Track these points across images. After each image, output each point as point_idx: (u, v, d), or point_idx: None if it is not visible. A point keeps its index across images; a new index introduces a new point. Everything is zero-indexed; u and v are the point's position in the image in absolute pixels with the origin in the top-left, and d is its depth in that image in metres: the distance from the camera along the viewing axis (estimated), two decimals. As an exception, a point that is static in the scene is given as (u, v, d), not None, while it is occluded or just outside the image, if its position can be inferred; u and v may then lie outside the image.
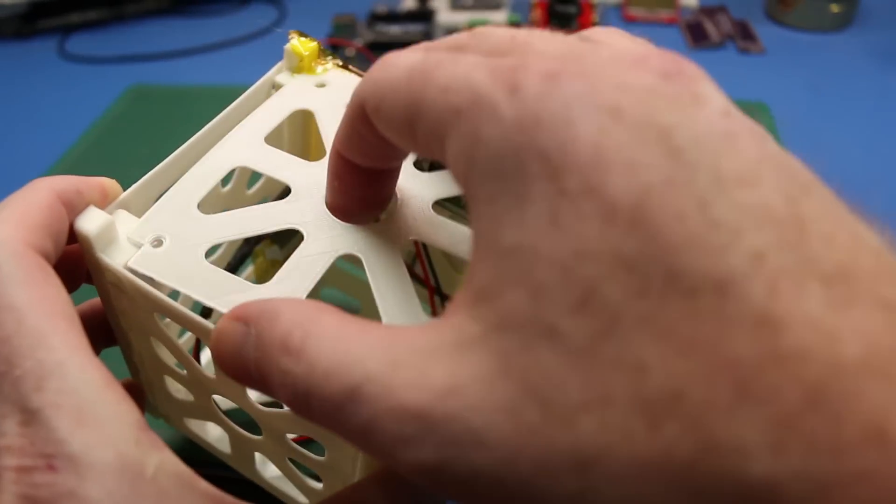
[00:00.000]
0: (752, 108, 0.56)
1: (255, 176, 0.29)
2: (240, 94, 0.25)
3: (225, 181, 0.27)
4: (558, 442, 0.12)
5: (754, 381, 0.11)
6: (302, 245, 0.20)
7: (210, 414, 0.25)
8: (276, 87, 0.26)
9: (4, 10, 0.69)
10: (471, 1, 0.70)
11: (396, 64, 0.15)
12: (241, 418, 0.25)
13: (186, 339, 0.30)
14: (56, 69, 0.66)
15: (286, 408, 0.16)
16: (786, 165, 0.13)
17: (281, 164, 0.22)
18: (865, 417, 0.10)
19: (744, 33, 0.67)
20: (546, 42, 0.15)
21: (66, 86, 0.63)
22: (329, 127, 0.24)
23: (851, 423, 0.10)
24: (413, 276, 0.28)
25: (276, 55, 0.26)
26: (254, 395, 0.22)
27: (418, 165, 0.22)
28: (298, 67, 0.26)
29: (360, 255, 0.20)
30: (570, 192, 0.12)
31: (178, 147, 0.23)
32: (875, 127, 0.54)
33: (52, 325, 0.17)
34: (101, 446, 0.15)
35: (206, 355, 0.27)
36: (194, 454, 0.28)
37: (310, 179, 0.22)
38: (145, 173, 0.22)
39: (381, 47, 0.63)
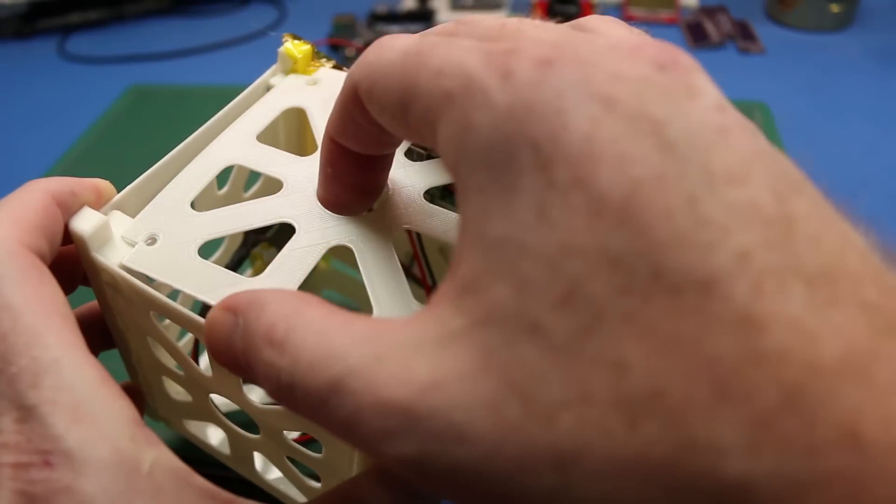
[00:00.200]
0: (752, 108, 0.56)
1: (251, 178, 0.29)
2: (239, 94, 0.25)
3: (221, 183, 0.27)
4: (538, 438, 0.12)
5: (733, 381, 0.11)
6: (294, 238, 0.20)
7: (208, 414, 0.25)
8: (270, 89, 0.26)
9: (4, 10, 0.69)
10: (471, 1, 0.70)
11: (392, 46, 0.15)
12: (240, 419, 0.25)
13: (186, 342, 0.30)
14: (56, 69, 0.66)
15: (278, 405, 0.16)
16: (776, 163, 0.13)
17: (273, 160, 0.23)
18: (840, 419, 0.10)
19: (744, 33, 0.67)
20: (539, 29, 0.15)
21: (66, 86, 0.63)
22: (321, 123, 0.24)
23: (826, 424, 0.10)
24: (410, 276, 0.28)
25: (276, 56, 0.26)
26: (253, 394, 0.22)
27: (409, 155, 0.22)
28: (293, 70, 0.26)
29: (351, 245, 0.20)
30: (559, 184, 0.12)
31: (176, 147, 0.23)
32: (875, 127, 0.55)
33: (47, 324, 0.17)
34: (97, 442, 0.16)
35: (205, 357, 0.27)
36: (191, 453, 0.28)
37: (301, 174, 0.22)
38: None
39: (381, 47, 0.63)
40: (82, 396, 0.16)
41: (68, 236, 0.20)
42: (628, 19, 0.70)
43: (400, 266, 0.19)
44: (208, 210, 0.21)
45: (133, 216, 0.21)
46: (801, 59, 0.64)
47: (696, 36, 0.66)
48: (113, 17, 0.73)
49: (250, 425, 0.24)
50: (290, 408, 0.14)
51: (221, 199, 0.27)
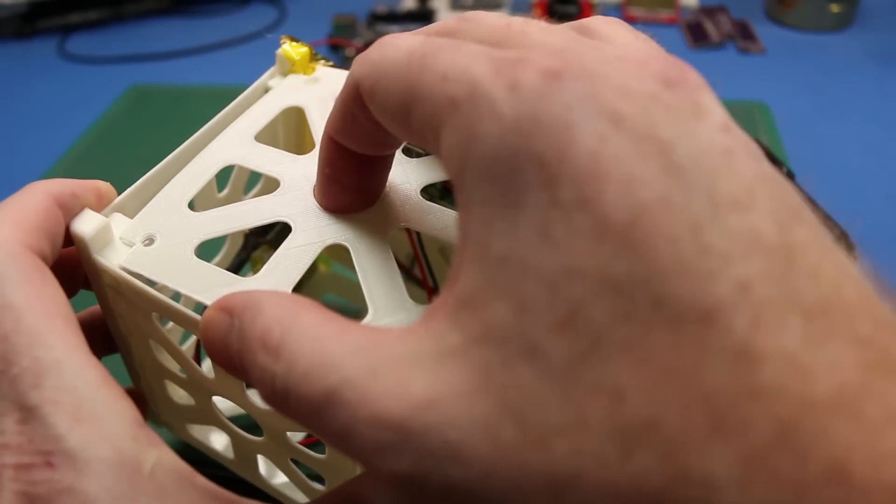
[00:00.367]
0: (752, 108, 0.56)
1: (252, 180, 0.29)
2: (240, 94, 0.25)
3: (221, 186, 0.27)
4: (533, 462, 0.12)
5: (729, 415, 0.11)
6: (290, 237, 0.20)
7: (211, 417, 0.25)
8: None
9: (4, 10, 0.69)
10: (471, 1, 0.70)
11: (395, 46, 0.15)
12: (243, 423, 0.25)
13: (188, 347, 0.30)
14: (56, 69, 0.66)
15: None
16: (778, 188, 0.12)
17: (270, 160, 0.23)
18: (830, 455, 0.10)
19: (744, 33, 0.67)
20: (545, 33, 0.15)
21: (66, 86, 0.63)
22: (319, 122, 0.24)
23: (816, 460, 0.10)
24: (411, 277, 0.28)
25: (275, 56, 0.27)
26: (256, 395, 0.22)
27: (406, 152, 0.22)
28: (291, 72, 0.26)
29: (347, 244, 0.20)
30: (563, 204, 0.12)
31: (177, 147, 0.23)
32: (875, 127, 0.55)
33: (49, 324, 0.17)
34: (99, 443, 0.16)
35: (207, 359, 0.27)
36: (193, 454, 0.28)
37: (298, 172, 0.22)
38: (145, 173, 0.22)
39: (381, 47, 0.63)
40: (84, 397, 0.16)
41: (69, 238, 0.20)
42: (628, 19, 0.70)
43: (396, 265, 0.19)
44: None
45: (133, 218, 0.21)
46: (801, 59, 0.64)
47: (696, 36, 0.66)
48: (113, 17, 0.73)
49: (253, 429, 0.24)
50: (283, 413, 0.14)
51: (221, 202, 0.27)
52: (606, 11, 0.72)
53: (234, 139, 0.23)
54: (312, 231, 0.20)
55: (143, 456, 0.16)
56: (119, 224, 0.21)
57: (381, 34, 0.66)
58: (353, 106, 0.16)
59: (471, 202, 0.13)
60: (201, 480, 0.16)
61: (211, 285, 0.19)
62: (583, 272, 0.12)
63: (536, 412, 0.12)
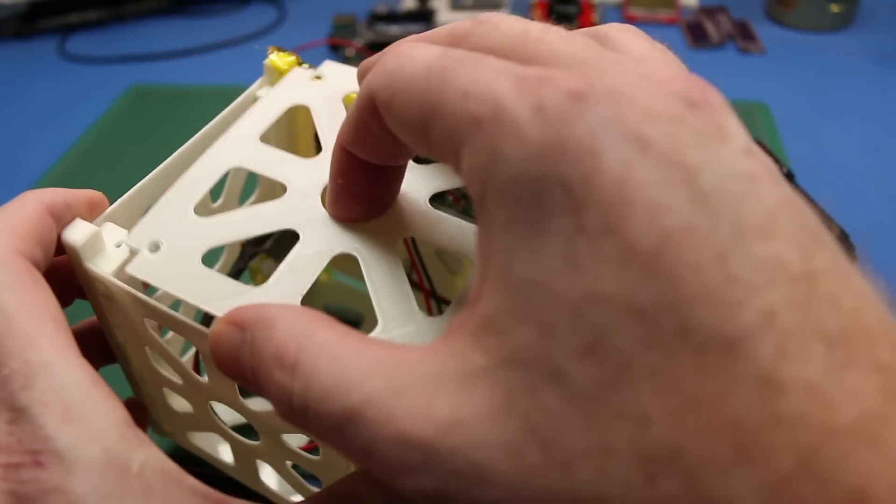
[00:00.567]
0: (752, 108, 0.56)
1: (247, 188, 0.29)
2: (240, 94, 0.25)
3: (215, 196, 0.27)
4: (557, 486, 0.12)
5: (752, 442, 0.11)
6: (298, 245, 0.20)
7: (210, 424, 0.24)
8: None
9: (4, 10, 0.69)
10: (471, 1, 0.70)
11: (413, 57, 0.15)
12: (243, 431, 0.25)
13: (188, 359, 0.30)
14: (56, 69, 0.66)
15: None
16: (799, 212, 0.13)
17: (276, 163, 0.22)
18: (851, 481, 0.11)
19: (744, 33, 0.67)
20: (564, 43, 0.15)
21: (66, 86, 0.63)
22: (326, 122, 0.24)
23: (838, 487, 0.11)
24: (410, 282, 0.28)
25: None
26: (250, 399, 0.22)
27: (415, 158, 0.22)
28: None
29: (356, 253, 0.19)
30: (589, 230, 0.12)
31: (175, 150, 0.23)
32: (875, 127, 0.55)
33: (39, 327, 0.17)
34: (88, 442, 0.16)
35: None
36: (181, 452, 0.28)
37: (306, 178, 0.21)
38: (145, 174, 0.22)
39: (381, 47, 0.63)
40: (73, 397, 0.16)
41: (62, 247, 0.20)
42: (628, 19, 0.70)
43: (405, 275, 0.19)
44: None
45: (126, 227, 0.21)
46: (801, 59, 0.64)
47: (696, 36, 0.66)
48: (113, 17, 0.73)
49: (251, 435, 0.24)
50: (301, 428, 0.14)
51: (216, 212, 0.27)
52: (606, 11, 0.72)
53: (239, 140, 0.23)
54: (321, 240, 0.20)
55: (131, 455, 0.16)
56: (110, 233, 0.21)
57: (381, 34, 0.66)
58: (368, 117, 0.16)
59: (493, 224, 0.13)
60: (190, 480, 0.16)
61: (218, 295, 0.19)
62: (608, 299, 0.12)
63: (561, 436, 0.12)
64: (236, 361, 0.15)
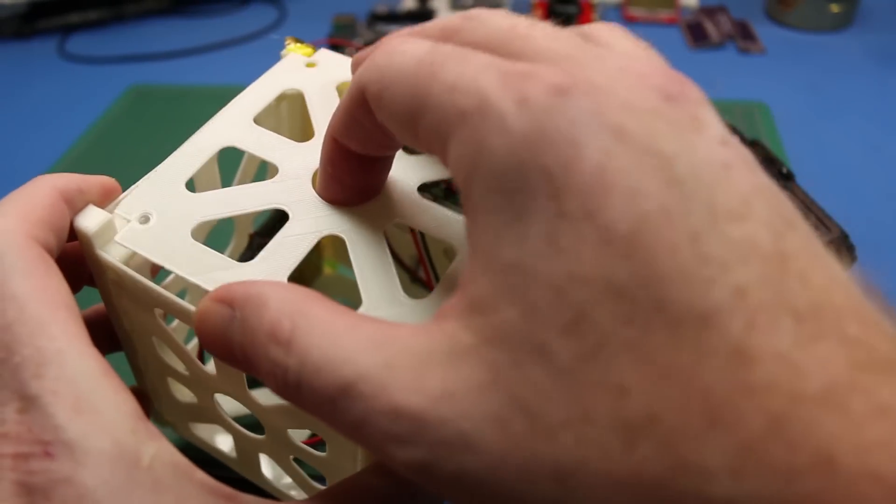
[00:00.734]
0: (752, 108, 0.56)
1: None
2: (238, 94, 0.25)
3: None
4: (541, 453, 0.12)
5: (724, 409, 0.11)
6: (287, 225, 0.20)
7: (214, 416, 0.25)
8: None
9: (4, 10, 0.69)
10: (471, 1, 0.70)
11: (402, 52, 0.15)
12: (246, 423, 0.25)
13: (193, 346, 0.30)
14: (56, 69, 0.66)
15: (283, 400, 0.17)
16: (773, 198, 0.13)
17: (269, 145, 0.23)
18: (818, 445, 0.11)
19: (744, 33, 0.67)
20: (549, 39, 0.15)
21: (66, 86, 0.63)
22: (319, 109, 0.24)
23: (805, 450, 0.11)
24: (417, 279, 0.28)
25: (277, 56, 0.26)
26: (257, 392, 0.22)
27: (405, 148, 0.22)
28: None
29: (343, 235, 0.20)
30: (569, 214, 0.13)
31: (178, 148, 0.23)
32: (875, 127, 0.55)
33: (52, 315, 0.17)
34: (98, 434, 0.16)
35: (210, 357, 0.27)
36: (194, 453, 0.28)
37: (298, 160, 0.22)
38: (145, 173, 0.22)
39: (381, 47, 0.63)
40: (84, 388, 0.16)
41: (74, 232, 0.20)
42: (628, 19, 0.70)
43: (391, 259, 0.20)
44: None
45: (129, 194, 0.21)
46: (801, 59, 0.64)
47: (696, 36, 0.66)
48: (113, 17, 0.72)
49: (256, 428, 0.24)
50: (294, 404, 0.15)
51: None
52: (606, 11, 0.72)
53: (233, 120, 0.23)
54: (310, 221, 0.20)
55: (141, 448, 0.16)
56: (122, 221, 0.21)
57: (381, 34, 0.66)
58: (358, 110, 0.17)
59: (479, 212, 0.14)
60: (199, 475, 0.16)
61: (206, 268, 0.19)
62: (588, 278, 0.12)
63: (544, 407, 0.12)
64: (224, 338, 0.16)
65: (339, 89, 0.25)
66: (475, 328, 0.13)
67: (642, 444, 0.12)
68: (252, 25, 0.71)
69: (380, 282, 0.19)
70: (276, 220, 0.30)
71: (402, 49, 0.15)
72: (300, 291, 0.16)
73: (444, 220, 0.20)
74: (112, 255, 0.20)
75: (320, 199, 0.21)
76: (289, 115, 0.27)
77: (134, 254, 0.20)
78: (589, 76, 0.14)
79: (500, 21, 0.16)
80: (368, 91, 0.16)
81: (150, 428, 0.16)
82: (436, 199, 0.21)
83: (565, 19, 0.68)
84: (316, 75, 0.25)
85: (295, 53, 0.26)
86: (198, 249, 0.19)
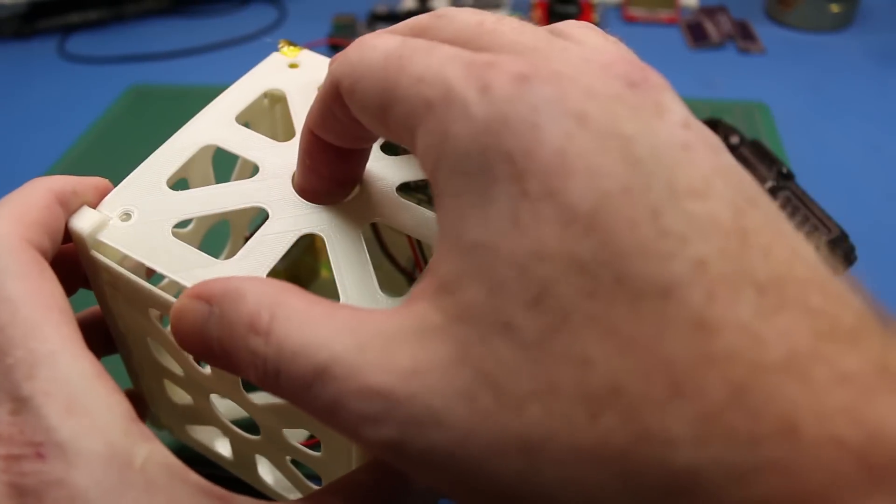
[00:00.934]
0: (752, 108, 0.56)
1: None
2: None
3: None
4: (508, 426, 0.13)
5: (686, 379, 0.12)
6: (266, 223, 0.20)
7: (209, 417, 0.24)
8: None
9: (4, 10, 0.69)
10: (471, 1, 0.70)
11: (373, 47, 0.16)
12: (242, 425, 0.24)
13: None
14: (56, 69, 0.66)
15: (277, 400, 0.17)
16: (736, 178, 0.13)
17: (250, 144, 0.23)
18: (780, 413, 0.11)
19: (744, 33, 0.67)
20: (516, 33, 0.15)
21: (66, 86, 0.63)
22: (300, 108, 0.24)
23: (767, 417, 0.11)
24: (413, 282, 0.28)
25: (276, 55, 0.27)
26: (257, 396, 0.22)
27: (385, 149, 0.22)
28: None
29: (322, 234, 0.20)
30: (531, 195, 0.13)
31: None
32: (875, 127, 0.55)
33: (45, 317, 0.17)
34: (90, 435, 0.16)
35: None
36: (186, 452, 0.28)
37: (278, 160, 0.22)
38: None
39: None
40: (77, 389, 0.16)
41: (69, 234, 0.20)
42: (628, 19, 0.70)
43: (368, 257, 0.20)
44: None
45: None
46: (801, 59, 0.64)
47: (696, 36, 0.66)
48: (113, 17, 0.72)
49: (251, 430, 0.24)
50: (275, 394, 0.15)
51: None
52: (606, 11, 0.72)
53: (214, 119, 0.24)
54: (289, 219, 0.20)
55: (134, 450, 0.16)
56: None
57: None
58: (333, 103, 0.17)
59: (445, 195, 0.14)
60: (193, 476, 0.16)
61: (187, 265, 0.19)
62: (551, 255, 0.13)
63: (511, 381, 0.13)
64: (202, 334, 0.16)
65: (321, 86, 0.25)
66: (443, 307, 0.14)
67: (606, 415, 0.12)
68: (252, 25, 0.71)
69: (357, 279, 0.19)
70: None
71: (374, 44, 0.16)
72: (277, 284, 0.16)
73: (423, 219, 0.21)
74: (106, 255, 0.20)
75: (300, 198, 0.21)
76: (282, 118, 0.27)
77: (127, 254, 0.20)
78: (553, 66, 0.14)
79: (468, 18, 0.16)
80: (342, 85, 0.16)
81: (143, 429, 0.16)
82: (420, 202, 0.21)
83: (565, 19, 0.68)
84: (298, 76, 0.26)
85: (278, 54, 0.26)
86: (178, 247, 0.20)
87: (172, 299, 0.19)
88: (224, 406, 0.24)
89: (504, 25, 0.16)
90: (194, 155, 0.23)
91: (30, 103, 0.61)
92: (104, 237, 0.20)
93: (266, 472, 0.27)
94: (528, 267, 0.13)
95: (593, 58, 0.14)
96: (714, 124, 0.43)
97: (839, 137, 0.53)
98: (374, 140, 0.19)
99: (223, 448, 0.28)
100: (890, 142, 0.53)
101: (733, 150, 0.41)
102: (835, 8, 0.67)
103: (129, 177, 0.21)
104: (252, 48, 0.68)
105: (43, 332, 0.17)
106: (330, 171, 0.20)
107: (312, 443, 0.24)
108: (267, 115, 0.25)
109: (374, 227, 0.26)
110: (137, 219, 0.20)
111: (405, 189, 0.22)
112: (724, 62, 0.63)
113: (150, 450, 0.16)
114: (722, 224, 0.12)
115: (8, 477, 0.15)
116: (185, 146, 0.23)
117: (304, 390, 0.14)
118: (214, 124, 0.23)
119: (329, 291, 0.36)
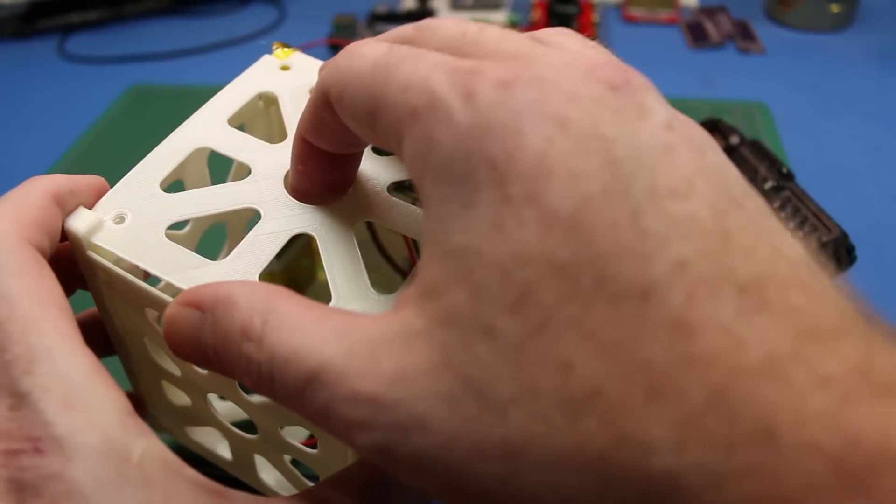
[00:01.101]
0: (752, 108, 0.56)
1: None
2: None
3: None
4: (490, 430, 0.13)
5: (664, 383, 0.12)
6: (259, 224, 0.20)
7: (207, 417, 0.24)
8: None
9: (4, 10, 0.69)
10: (471, 1, 0.70)
11: (362, 55, 0.16)
12: (240, 426, 0.24)
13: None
14: (56, 69, 0.66)
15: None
16: (721, 178, 0.13)
17: (242, 146, 0.23)
18: (758, 417, 0.11)
19: (744, 33, 0.67)
20: (499, 41, 0.16)
21: (66, 86, 0.63)
22: (292, 111, 0.24)
23: (745, 422, 0.11)
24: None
25: (275, 56, 0.27)
26: (254, 395, 0.22)
27: (376, 150, 0.23)
28: None
29: (314, 233, 0.20)
30: (513, 199, 0.13)
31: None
32: (875, 127, 0.54)
33: (43, 313, 0.17)
34: (88, 430, 0.16)
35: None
36: (185, 451, 0.28)
37: (271, 161, 0.22)
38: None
39: (381, 47, 0.63)
40: (75, 384, 0.16)
41: (66, 234, 0.20)
42: (628, 19, 0.70)
43: (360, 256, 0.20)
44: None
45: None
46: (801, 59, 0.64)
47: (696, 36, 0.66)
48: (113, 17, 0.72)
49: (249, 430, 0.24)
50: (270, 398, 0.15)
51: None
52: (606, 11, 0.72)
53: (207, 122, 0.24)
54: (281, 220, 0.20)
55: (131, 444, 0.16)
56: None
57: (381, 34, 0.66)
58: (323, 110, 0.17)
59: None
60: (189, 471, 0.16)
61: (180, 267, 0.19)
62: (532, 258, 0.13)
63: (492, 385, 0.13)
64: (196, 341, 0.16)
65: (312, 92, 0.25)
66: (428, 312, 0.14)
67: (586, 419, 0.12)
68: (252, 25, 0.71)
69: (349, 277, 0.19)
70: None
71: (362, 52, 0.16)
72: (268, 289, 0.16)
73: (414, 218, 0.21)
74: (102, 255, 0.20)
75: (292, 198, 0.21)
76: (278, 119, 0.27)
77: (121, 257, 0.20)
78: (535, 71, 0.14)
79: (452, 29, 0.16)
80: (331, 93, 0.17)
81: (140, 424, 0.17)
82: (414, 201, 0.22)
83: (565, 19, 0.68)
84: (290, 78, 0.26)
85: (270, 56, 0.26)
86: (171, 248, 0.20)
87: (169, 299, 0.19)
88: (222, 407, 0.24)
89: (486, 35, 0.16)
90: (188, 157, 0.23)
91: (30, 103, 0.61)
92: (98, 239, 0.20)
93: (266, 473, 0.27)
94: (509, 271, 0.13)
95: (576, 62, 0.14)
96: (714, 124, 0.43)
97: (839, 137, 0.53)
98: (366, 145, 0.20)
99: (222, 449, 0.28)
100: (890, 142, 0.53)
101: (733, 150, 0.41)
102: (835, 8, 0.67)
103: (123, 179, 0.22)
104: (252, 48, 0.67)
105: (41, 328, 0.17)
106: (323, 175, 0.20)
107: (312, 442, 0.24)
108: (262, 116, 0.25)
109: (371, 227, 0.26)
110: (131, 221, 0.20)
111: (399, 188, 0.22)
112: (724, 62, 0.63)
113: (147, 444, 0.16)
114: (703, 224, 0.12)
115: (7, 472, 0.15)
116: (178, 149, 0.23)
117: (298, 395, 0.14)
118: (207, 127, 0.24)
119: (326, 294, 0.37)
